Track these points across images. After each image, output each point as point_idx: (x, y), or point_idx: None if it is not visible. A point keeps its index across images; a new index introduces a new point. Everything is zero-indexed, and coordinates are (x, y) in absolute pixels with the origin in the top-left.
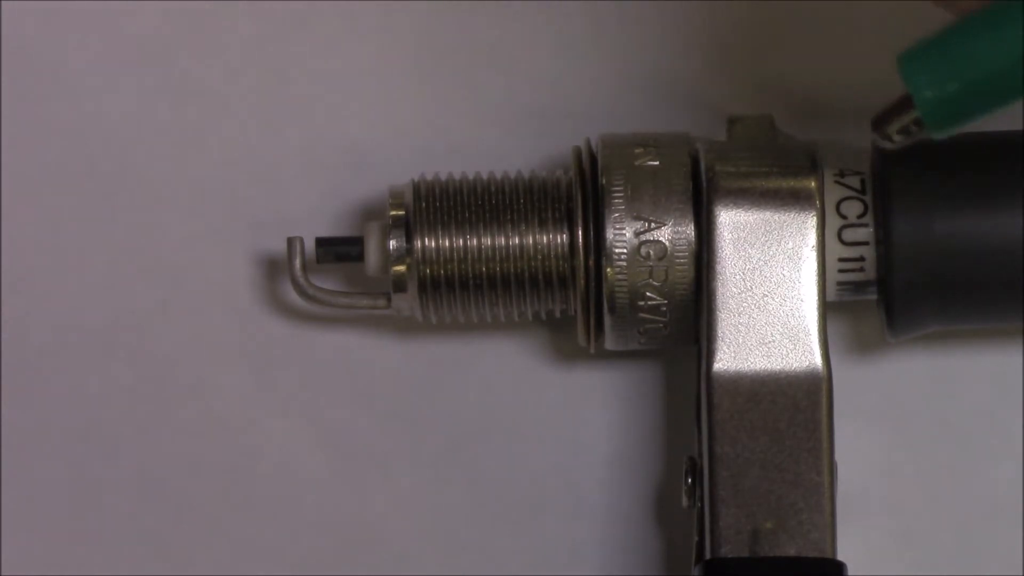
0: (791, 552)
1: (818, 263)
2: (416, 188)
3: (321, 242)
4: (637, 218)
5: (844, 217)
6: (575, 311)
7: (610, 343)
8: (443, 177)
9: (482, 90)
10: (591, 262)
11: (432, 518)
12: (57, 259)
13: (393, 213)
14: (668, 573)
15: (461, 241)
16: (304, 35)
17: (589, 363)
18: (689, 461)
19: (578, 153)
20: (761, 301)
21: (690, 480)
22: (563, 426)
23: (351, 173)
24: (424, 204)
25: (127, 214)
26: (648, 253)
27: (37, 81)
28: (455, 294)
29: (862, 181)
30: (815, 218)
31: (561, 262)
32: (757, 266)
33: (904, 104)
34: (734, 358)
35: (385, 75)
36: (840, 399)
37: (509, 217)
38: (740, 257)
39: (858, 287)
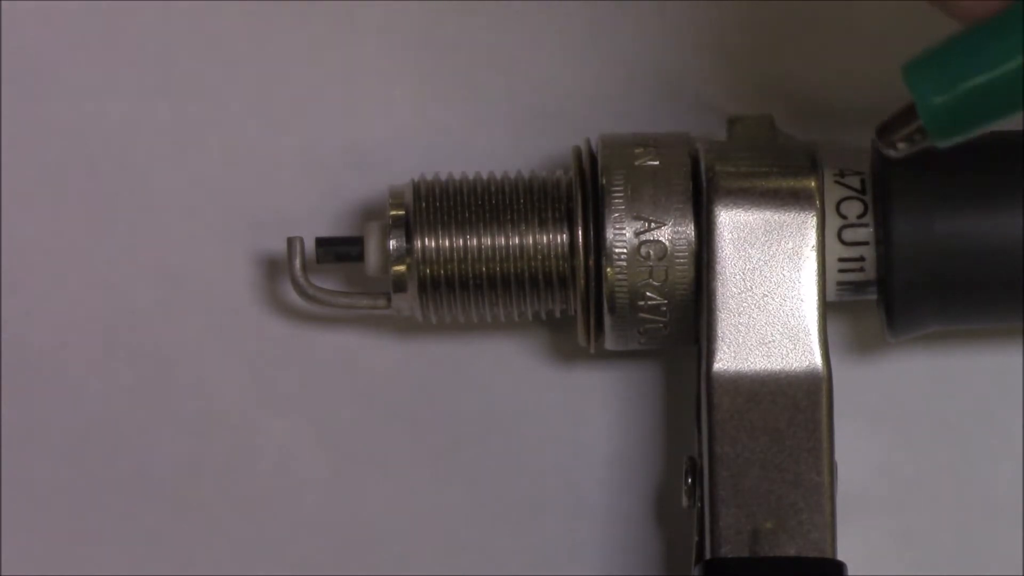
0: (791, 552)
1: (818, 263)
2: (416, 188)
3: (321, 242)
4: (637, 218)
5: (844, 217)
6: (575, 311)
7: (610, 343)
8: (443, 177)
9: (482, 90)
10: (591, 262)
11: (432, 518)
12: (57, 259)
13: (393, 213)
14: (668, 573)
15: (461, 241)
16: (304, 35)
17: (589, 363)
18: (689, 461)
19: (578, 153)
20: (761, 301)
21: (690, 480)
22: (563, 426)
23: (351, 173)
24: (424, 204)
25: (127, 214)
26: (648, 253)
27: (37, 81)
28: (455, 294)
29: (862, 181)
30: (815, 218)
31: (561, 262)
32: (757, 266)
33: (908, 113)
34: (734, 358)
35: (385, 75)
36: (840, 399)
37: (509, 217)
38: (740, 257)
39: (858, 287)
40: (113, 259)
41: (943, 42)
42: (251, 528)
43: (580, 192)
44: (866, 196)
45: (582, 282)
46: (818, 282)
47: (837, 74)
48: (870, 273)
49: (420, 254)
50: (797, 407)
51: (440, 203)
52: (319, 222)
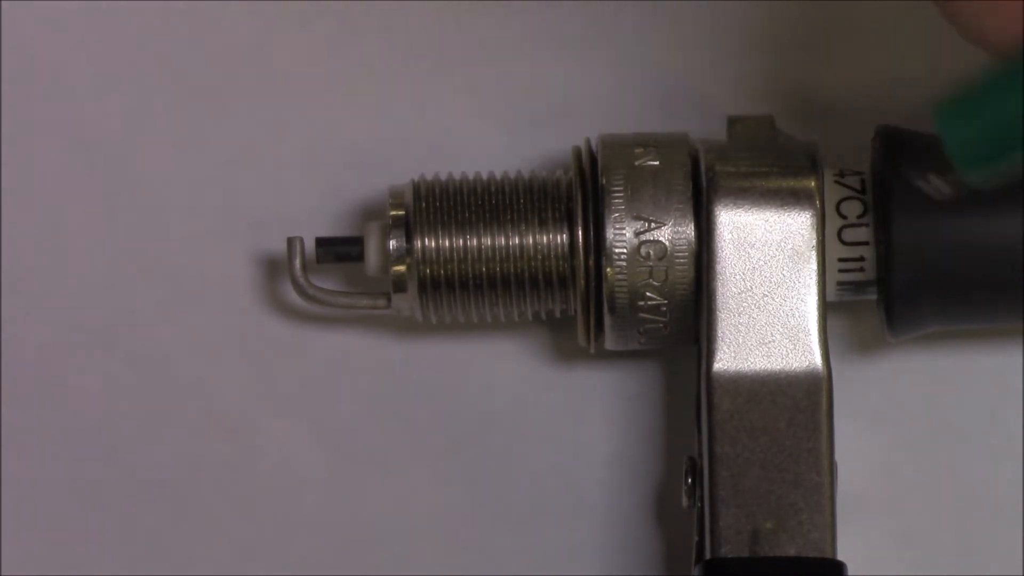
0: (791, 552)
1: (818, 263)
2: (416, 188)
3: (321, 242)
4: (637, 218)
5: (844, 217)
6: (575, 311)
7: (610, 343)
8: (443, 177)
9: (482, 90)
10: (591, 262)
11: (432, 518)
12: (57, 259)
13: (393, 213)
14: (668, 573)
15: (461, 241)
16: (304, 35)
17: (589, 363)
18: (689, 461)
19: (578, 153)
20: (761, 301)
21: (690, 480)
22: (563, 426)
23: (351, 173)
24: (424, 204)
25: (127, 214)
26: (648, 253)
27: (37, 81)
28: (455, 294)
29: (862, 181)
30: (815, 218)
31: (561, 262)
32: (757, 266)
33: (942, 153)
34: (734, 358)
35: (385, 75)
36: (840, 399)
37: (509, 217)
38: (740, 257)
39: (858, 287)
40: (113, 259)
41: (971, 81)
42: (251, 528)
43: (580, 192)
44: (866, 196)
45: (582, 282)
46: (818, 282)
47: (837, 74)
48: (870, 273)
49: (420, 254)
50: (797, 407)
51: (440, 203)
52: (319, 222)
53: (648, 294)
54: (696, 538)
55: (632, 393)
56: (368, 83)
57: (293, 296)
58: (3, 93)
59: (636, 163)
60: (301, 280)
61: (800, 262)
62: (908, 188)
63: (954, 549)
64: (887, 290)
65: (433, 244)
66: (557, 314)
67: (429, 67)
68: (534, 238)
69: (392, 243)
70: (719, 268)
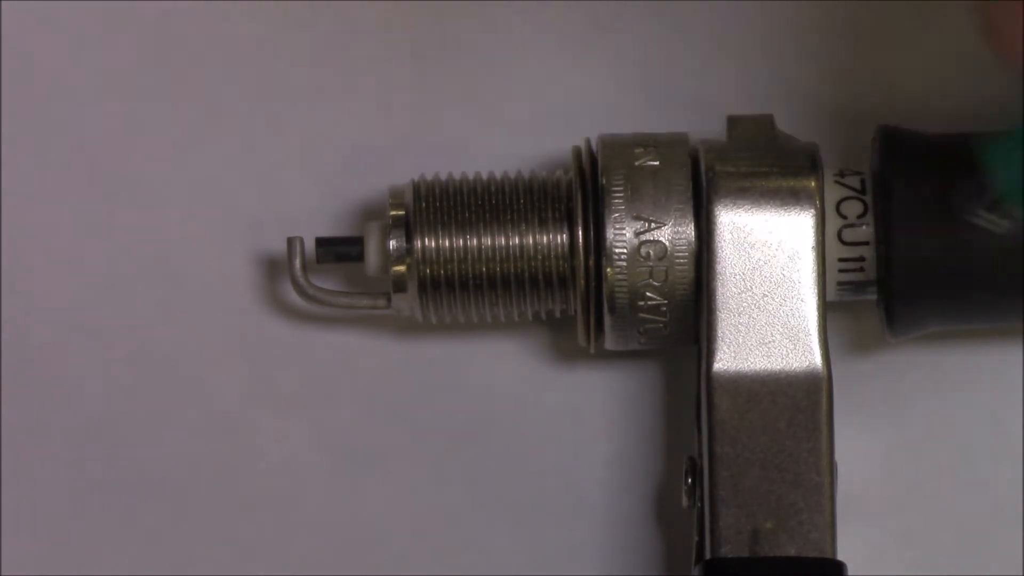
0: (791, 552)
1: (818, 263)
2: (416, 188)
3: (321, 242)
4: (637, 218)
5: (844, 217)
6: (575, 311)
7: (610, 343)
8: (443, 177)
9: (482, 90)
10: (591, 262)
11: (432, 518)
12: (57, 259)
13: (393, 213)
14: (668, 573)
15: (461, 241)
16: (304, 35)
17: (589, 363)
18: (689, 461)
19: (578, 153)
20: (761, 301)
21: (690, 480)
22: (563, 426)
23: (351, 173)
24: (424, 204)
25: (127, 214)
26: (648, 253)
27: (37, 81)
28: (455, 294)
29: (862, 181)
30: (815, 218)
31: (561, 262)
32: (757, 266)
33: (993, 189)
34: (734, 358)
35: (385, 75)
36: (840, 399)
37: (509, 217)
38: (740, 257)
39: (858, 287)
40: (113, 259)
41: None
42: (251, 528)
43: (580, 192)
44: (866, 196)
45: (582, 282)
46: (818, 282)
47: (837, 74)
48: (870, 273)
49: (420, 254)
50: (797, 407)
51: (440, 203)
52: (319, 222)
53: (648, 294)
54: (696, 538)
55: (632, 393)
56: (368, 83)
57: (293, 296)
58: (3, 93)
59: (636, 163)
60: (301, 280)
61: (800, 262)
62: (908, 188)
63: (954, 549)
64: (887, 290)
65: (433, 244)
66: (557, 314)
67: (429, 67)
68: (534, 238)
69: (392, 243)
70: (719, 268)
